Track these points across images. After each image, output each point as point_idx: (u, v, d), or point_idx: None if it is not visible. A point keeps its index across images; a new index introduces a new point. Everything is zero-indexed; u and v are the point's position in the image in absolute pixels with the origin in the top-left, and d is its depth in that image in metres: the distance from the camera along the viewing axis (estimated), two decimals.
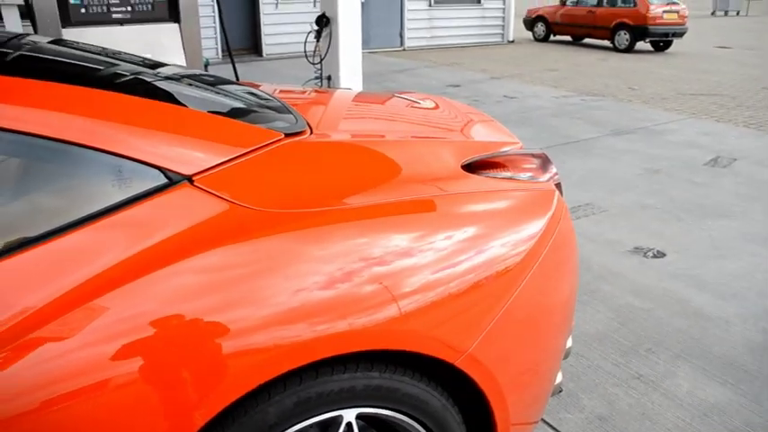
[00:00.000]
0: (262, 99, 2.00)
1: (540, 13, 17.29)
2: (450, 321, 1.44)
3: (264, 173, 1.46)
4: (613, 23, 14.75)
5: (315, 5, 12.51)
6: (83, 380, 1.16)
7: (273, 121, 1.67)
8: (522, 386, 1.64)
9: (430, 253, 1.45)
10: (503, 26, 15.84)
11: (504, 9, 15.73)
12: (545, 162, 1.85)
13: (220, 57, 11.51)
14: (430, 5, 14.58)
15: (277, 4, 12.60)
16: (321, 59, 5.20)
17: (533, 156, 1.87)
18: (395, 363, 1.44)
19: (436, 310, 1.41)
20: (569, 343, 1.89)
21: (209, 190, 1.36)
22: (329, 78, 5.20)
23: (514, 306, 1.52)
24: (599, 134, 6.61)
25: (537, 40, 17.11)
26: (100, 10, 4.41)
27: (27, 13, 4.94)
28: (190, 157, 1.39)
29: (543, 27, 17.01)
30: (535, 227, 1.62)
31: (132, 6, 4.49)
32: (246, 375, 1.25)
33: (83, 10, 4.38)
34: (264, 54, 12.64)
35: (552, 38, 17.00)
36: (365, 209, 1.46)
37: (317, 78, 5.33)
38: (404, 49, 14.30)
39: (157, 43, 4.53)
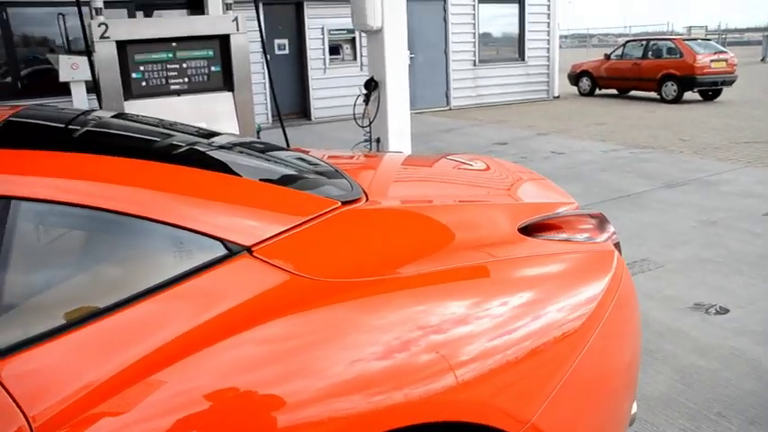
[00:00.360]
0: (315, 165, 2.05)
1: (585, 67, 17.34)
2: (510, 390, 1.41)
3: (322, 242, 1.48)
4: (660, 75, 14.66)
5: (362, 69, 12.85)
6: None
7: (329, 189, 1.70)
8: None
9: (487, 320, 1.44)
10: (547, 82, 15.93)
11: (548, 65, 15.85)
12: (602, 222, 1.83)
13: (271, 122, 11.84)
14: (474, 65, 14.80)
15: (325, 69, 12.99)
16: (370, 122, 5.30)
17: (590, 216, 1.85)
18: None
19: (495, 379, 1.39)
20: (634, 408, 1.83)
21: (268, 260, 1.38)
22: (378, 141, 5.28)
23: (577, 372, 1.48)
24: (651, 187, 6.51)
25: (582, 94, 17.11)
26: (159, 82, 4.62)
27: (93, 87, 5.20)
28: (249, 227, 1.43)
29: (588, 81, 17.02)
30: (595, 289, 1.59)
31: (189, 78, 4.70)
32: None
33: (143, 83, 4.61)
34: (313, 117, 12.97)
35: (598, 92, 16.97)
36: (422, 276, 1.46)
37: (366, 141, 5.42)
38: (450, 109, 14.48)
39: (212, 111, 4.70)
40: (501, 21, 15.41)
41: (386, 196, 1.85)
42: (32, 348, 1.21)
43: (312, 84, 12.94)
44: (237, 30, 4.68)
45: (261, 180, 1.70)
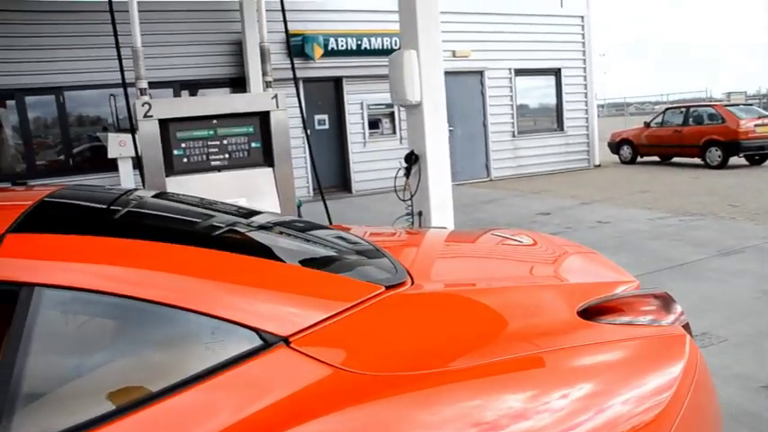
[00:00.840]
0: (357, 245, 1.95)
1: (625, 135, 17.24)
2: None
3: (365, 331, 1.37)
4: (703, 141, 14.46)
5: (401, 142, 12.96)
6: None
7: (372, 271, 1.60)
8: None
9: (547, 414, 1.29)
10: (588, 151, 15.83)
11: (587, 134, 15.79)
12: (668, 302, 1.68)
13: (312, 195, 11.93)
14: (513, 136, 14.81)
15: (365, 142, 13.13)
16: (411, 196, 5.23)
17: (654, 296, 1.70)
18: None
19: None
20: None
21: (306, 352, 1.27)
22: (420, 214, 5.20)
23: None
24: (704, 256, 6.24)
25: (623, 162, 16.94)
26: (200, 159, 4.66)
27: (137, 163, 5.27)
28: (286, 315, 1.33)
29: (629, 149, 16.88)
30: (667, 378, 1.43)
31: (229, 154, 4.73)
32: None
33: (185, 159, 4.64)
34: (354, 190, 13.03)
35: (639, 159, 16.78)
36: (475, 369, 1.32)
37: (408, 215, 5.35)
38: (491, 180, 14.43)
39: (253, 186, 4.70)
40: (538, 91, 15.51)
41: (431, 279, 1.73)
42: None
43: (352, 157, 13.07)
44: (277, 107, 4.73)
45: (300, 263, 1.61)
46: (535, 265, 1.99)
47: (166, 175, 4.54)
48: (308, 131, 5.06)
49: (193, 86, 12.04)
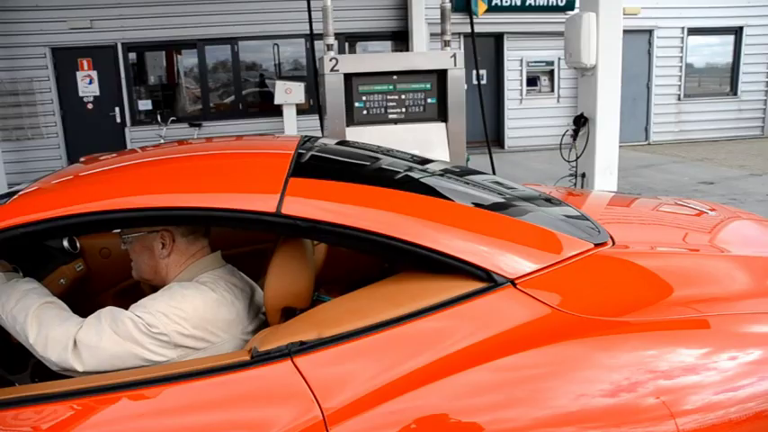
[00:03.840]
0: (560, 206, 2.14)
1: None
2: None
3: (577, 281, 1.58)
4: None
5: (558, 101, 12.75)
6: None
7: (579, 231, 1.79)
8: None
9: (714, 373, 1.43)
10: (763, 118, 14.63)
11: (765, 100, 14.58)
12: None
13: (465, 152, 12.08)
14: (679, 99, 14.03)
15: (521, 99, 13.04)
16: (577, 157, 5.29)
17: None
18: None
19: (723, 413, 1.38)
20: None
21: (530, 293, 1.50)
22: (584, 176, 5.25)
23: None
24: None
25: None
26: (378, 111, 4.99)
27: (312, 111, 5.64)
28: (512, 261, 1.56)
29: None
30: None
31: (406, 108, 5.01)
32: None
33: (364, 112, 5.00)
34: (506, 147, 13.05)
35: None
36: (657, 323, 1.49)
37: (571, 176, 5.41)
38: (649, 143, 13.85)
39: (425, 140, 4.96)
40: (712, 51, 14.47)
41: (631, 241, 1.89)
42: (328, 348, 1.42)
43: (508, 114, 13.05)
44: (455, 65, 4.92)
45: (517, 216, 1.83)
46: (727, 238, 2.09)
47: (346, 125, 4.91)
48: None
49: (357, 38, 12.45)
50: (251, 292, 1.90)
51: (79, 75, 11.39)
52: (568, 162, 5.44)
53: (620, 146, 12.58)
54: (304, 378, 1.37)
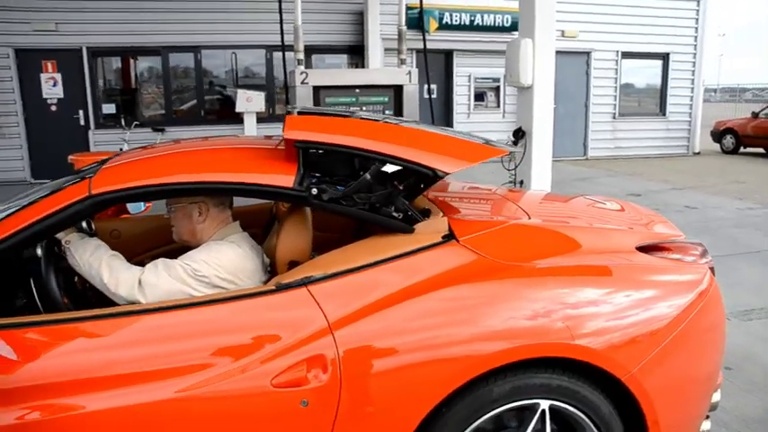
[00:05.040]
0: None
1: (730, 125, 17.15)
2: (619, 348, 2.11)
3: (500, 239, 2.29)
4: None
5: (504, 116, 13.66)
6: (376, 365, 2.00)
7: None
8: (675, 405, 2.24)
9: (608, 306, 2.17)
10: (688, 138, 15.94)
11: (689, 121, 15.87)
12: (704, 251, 2.50)
13: None
14: (614, 117, 15.17)
15: (469, 114, 13.93)
16: (516, 166, 6.05)
17: (695, 244, 2.52)
18: (579, 374, 2.12)
19: (609, 335, 2.10)
20: (717, 397, 2.45)
21: (468, 247, 2.19)
22: (521, 183, 6.01)
23: (666, 348, 2.16)
24: None
25: (725, 152, 16.91)
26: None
27: (272, 119, 6.18)
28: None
29: (732, 139, 16.83)
30: (690, 293, 2.26)
31: None
32: (474, 365, 2.01)
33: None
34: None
35: (742, 150, 16.72)
36: (569, 268, 2.21)
37: (510, 183, 6.17)
38: (587, 158, 14.91)
39: None
40: (643, 74, 15.72)
41: (536, 216, 2.63)
42: (330, 280, 2.07)
43: (456, 126, 13.88)
44: (410, 81, 5.64)
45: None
46: (612, 217, 2.83)
47: None
48: (430, 99, 5.89)
49: (315, 51, 13.07)
50: (262, 253, 2.53)
51: (43, 77, 11.70)
52: (508, 171, 6.20)
53: (560, 160, 13.67)
54: (315, 299, 2.02)
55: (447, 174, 2.21)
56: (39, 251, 2.28)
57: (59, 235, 2.35)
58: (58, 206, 2.08)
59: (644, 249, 2.41)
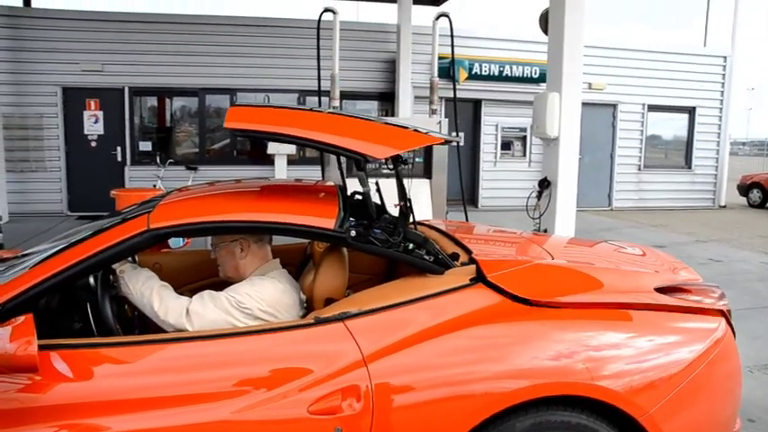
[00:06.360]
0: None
1: (756, 179, 17.13)
2: (639, 391, 2.23)
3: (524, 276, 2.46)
4: None
5: (530, 165, 13.85)
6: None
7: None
8: None
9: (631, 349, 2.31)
10: (714, 191, 15.95)
11: (715, 174, 15.91)
12: (722, 294, 2.63)
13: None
14: (639, 169, 15.27)
15: (495, 162, 14.13)
16: (540, 215, 6.20)
17: (713, 287, 2.65)
18: (598, 414, 2.24)
19: (630, 377, 2.23)
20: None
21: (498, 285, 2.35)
22: (545, 231, 6.15)
23: (682, 390, 2.27)
24: None
25: (752, 206, 16.86)
26: (374, 166, 5.87)
27: (302, 161, 6.30)
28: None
29: (759, 193, 16.79)
30: (706, 340, 2.38)
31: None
32: (498, 401, 2.15)
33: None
34: (480, 205, 14.05)
35: None
36: (594, 312, 2.36)
37: (535, 231, 6.31)
38: (611, 209, 14.98)
39: (413, 194, 5.79)
40: (669, 127, 15.83)
41: (560, 257, 2.78)
42: (365, 317, 2.23)
43: (482, 175, 14.14)
44: (440, 131, 5.84)
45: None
46: (634, 260, 2.97)
47: (347, 176, 5.75)
48: (458, 147, 6.09)
49: (347, 97, 13.42)
50: (299, 289, 2.70)
51: (86, 114, 12.19)
52: (533, 219, 6.34)
53: (584, 210, 13.78)
54: (351, 333, 2.18)
55: (377, 159, 2.40)
56: (92, 280, 2.47)
57: (114, 265, 2.55)
58: (118, 238, 2.28)
59: (663, 291, 2.54)
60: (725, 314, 2.53)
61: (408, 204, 2.79)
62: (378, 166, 5.88)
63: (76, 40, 12.01)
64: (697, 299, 2.54)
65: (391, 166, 5.80)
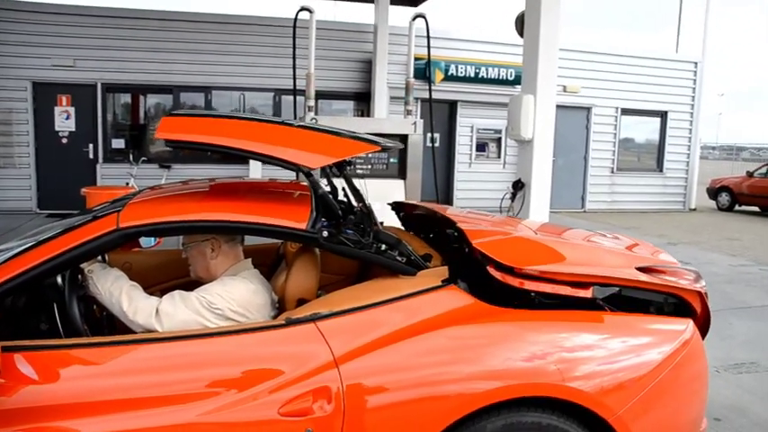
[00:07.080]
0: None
1: (725, 183, 17.46)
2: (609, 392, 2.25)
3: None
4: None
5: (504, 166, 13.93)
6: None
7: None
8: None
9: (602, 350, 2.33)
10: (684, 194, 16.22)
11: (686, 178, 16.18)
12: (698, 276, 2.67)
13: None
14: (612, 172, 15.46)
15: (470, 163, 14.21)
16: (514, 216, 6.24)
17: (689, 270, 2.68)
18: (569, 414, 2.26)
19: (600, 378, 2.25)
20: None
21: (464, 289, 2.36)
22: None
23: (652, 390, 2.30)
24: None
25: (721, 209, 17.18)
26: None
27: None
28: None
29: (728, 197, 17.11)
30: (674, 342, 2.41)
31: (372, 165, 5.90)
32: (470, 402, 2.15)
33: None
34: (454, 206, 14.06)
35: (737, 208, 16.98)
36: (566, 314, 2.37)
37: None
38: (584, 211, 15.14)
39: (387, 194, 5.79)
40: (642, 130, 16.06)
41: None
42: (337, 318, 2.22)
43: (457, 176, 14.21)
44: (415, 131, 5.85)
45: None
46: (611, 241, 3.02)
47: (320, 177, 5.74)
48: (433, 148, 6.15)
49: (322, 97, 13.39)
50: (271, 290, 2.69)
51: (57, 110, 11.99)
52: None
53: (558, 211, 13.89)
54: (322, 335, 2.17)
55: (312, 169, 2.38)
56: (59, 279, 2.43)
57: (83, 264, 2.51)
58: (87, 237, 2.24)
59: (643, 271, 2.58)
60: (701, 295, 2.57)
61: (368, 206, 2.78)
62: (353, 166, 5.87)
63: (48, 33, 11.80)
64: (673, 279, 2.57)
65: (366, 167, 5.88)
